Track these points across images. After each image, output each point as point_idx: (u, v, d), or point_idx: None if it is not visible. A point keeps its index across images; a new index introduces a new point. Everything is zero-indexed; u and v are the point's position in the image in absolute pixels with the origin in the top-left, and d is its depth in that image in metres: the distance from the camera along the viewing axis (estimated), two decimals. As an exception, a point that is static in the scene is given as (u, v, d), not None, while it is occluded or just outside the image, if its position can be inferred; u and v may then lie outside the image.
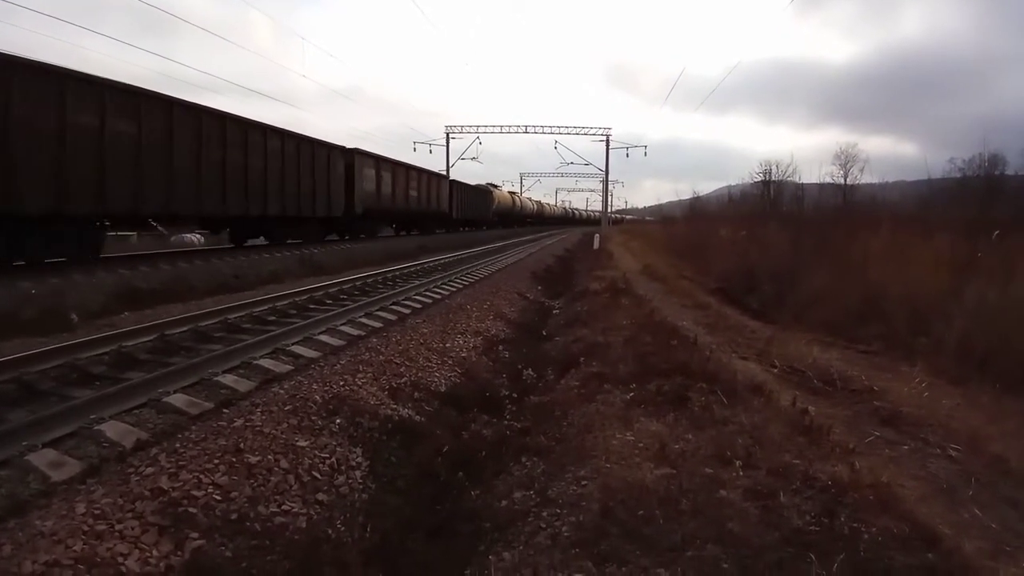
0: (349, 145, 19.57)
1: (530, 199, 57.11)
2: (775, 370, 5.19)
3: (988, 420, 3.98)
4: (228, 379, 4.48)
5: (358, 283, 9.83)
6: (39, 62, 7.94)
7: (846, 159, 32.24)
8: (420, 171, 24.31)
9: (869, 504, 2.52)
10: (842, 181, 30.10)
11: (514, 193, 49.48)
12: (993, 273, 6.49)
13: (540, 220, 57.84)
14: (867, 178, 29.68)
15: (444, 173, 27.42)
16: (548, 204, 68.64)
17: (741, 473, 2.83)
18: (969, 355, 5.33)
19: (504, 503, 3.16)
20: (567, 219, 72.25)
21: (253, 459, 3.19)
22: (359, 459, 3.68)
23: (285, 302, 7.58)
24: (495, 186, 41.13)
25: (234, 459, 3.14)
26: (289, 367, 4.93)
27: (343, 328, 6.49)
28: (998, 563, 2.28)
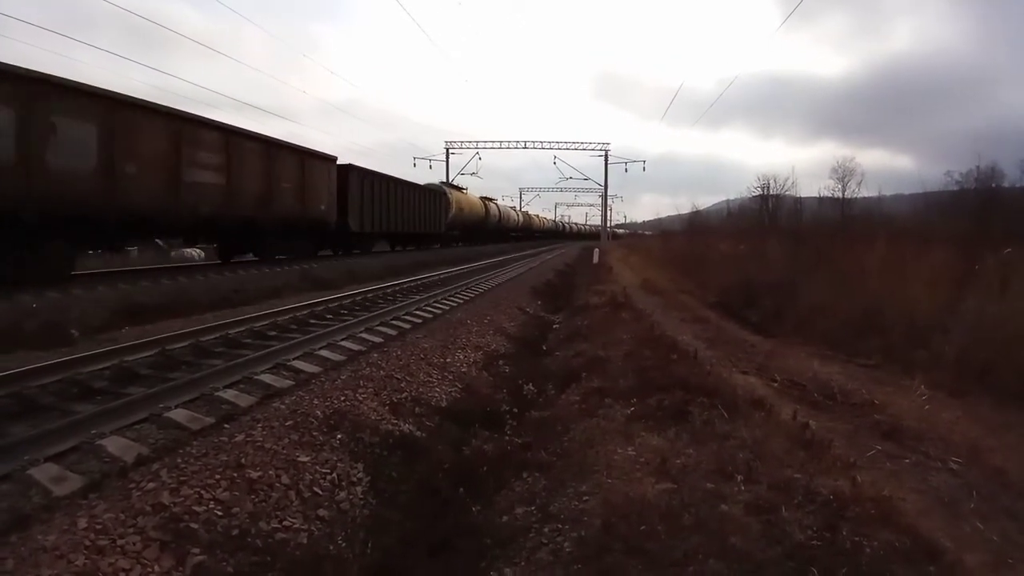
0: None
1: (514, 209, 49.99)
2: (775, 384, 5.20)
3: (988, 432, 4.00)
4: (229, 394, 4.48)
5: (358, 298, 9.85)
6: None
7: (843, 173, 32.49)
8: (252, 137, 12.62)
9: (871, 518, 2.52)
10: (840, 195, 30.28)
11: (489, 199, 38.86)
12: (991, 286, 6.52)
13: (528, 235, 51.36)
14: (865, 191, 29.87)
15: (331, 155, 16.05)
16: (538, 216, 61.48)
17: (743, 488, 2.84)
18: (968, 368, 5.34)
19: (505, 519, 3.16)
20: (560, 233, 68.62)
21: (254, 474, 3.20)
22: (360, 474, 3.68)
23: (286, 317, 7.60)
24: (456, 187, 31.82)
25: (235, 474, 3.14)
26: (290, 382, 4.93)
27: (344, 343, 6.50)
28: (1000, 577, 2.29)
